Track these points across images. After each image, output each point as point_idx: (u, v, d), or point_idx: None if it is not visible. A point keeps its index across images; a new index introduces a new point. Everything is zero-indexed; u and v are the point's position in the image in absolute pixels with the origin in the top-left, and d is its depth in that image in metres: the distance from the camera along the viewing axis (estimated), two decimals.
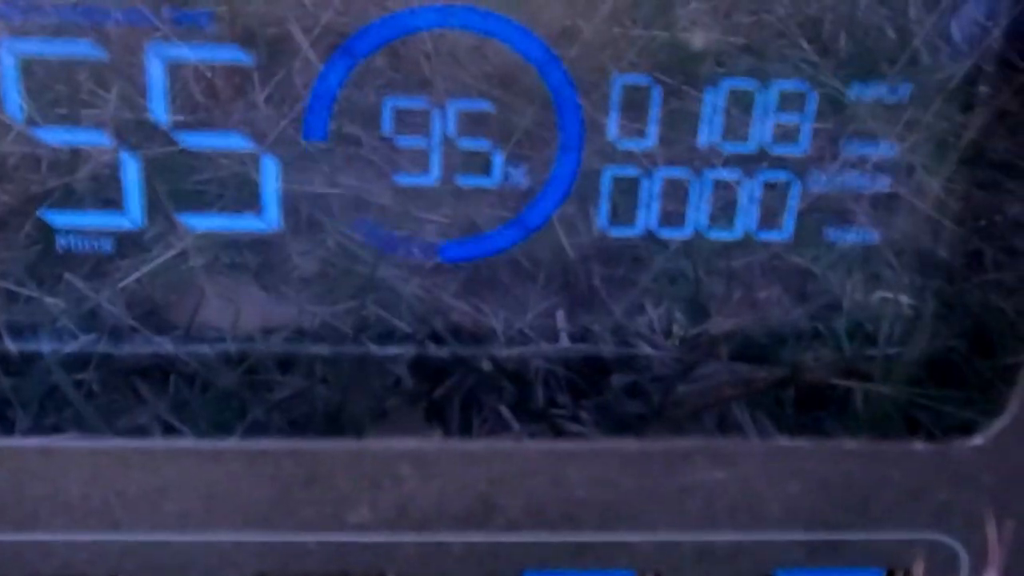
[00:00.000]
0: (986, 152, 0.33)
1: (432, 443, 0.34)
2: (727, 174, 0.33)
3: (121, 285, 0.33)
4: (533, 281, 0.34)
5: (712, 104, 0.32)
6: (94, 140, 0.32)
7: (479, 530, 0.35)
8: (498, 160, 0.33)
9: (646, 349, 0.35)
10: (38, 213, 0.32)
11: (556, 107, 0.32)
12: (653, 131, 0.33)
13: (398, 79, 0.32)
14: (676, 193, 0.33)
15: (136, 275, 0.33)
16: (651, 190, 0.33)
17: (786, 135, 0.33)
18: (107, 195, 0.32)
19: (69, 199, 0.32)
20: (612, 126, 0.33)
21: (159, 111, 0.32)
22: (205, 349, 0.34)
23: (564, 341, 0.34)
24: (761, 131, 0.33)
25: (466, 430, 0.34)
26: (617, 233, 0.34)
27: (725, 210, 0.34)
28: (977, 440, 0.35)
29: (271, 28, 0.31)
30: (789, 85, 0.32)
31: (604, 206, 0.34)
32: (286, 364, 0.34)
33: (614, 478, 0.34)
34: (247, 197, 0.33)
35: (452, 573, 0.35)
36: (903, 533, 0.36)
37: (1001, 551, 0.35)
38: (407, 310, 0.34)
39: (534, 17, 0.31)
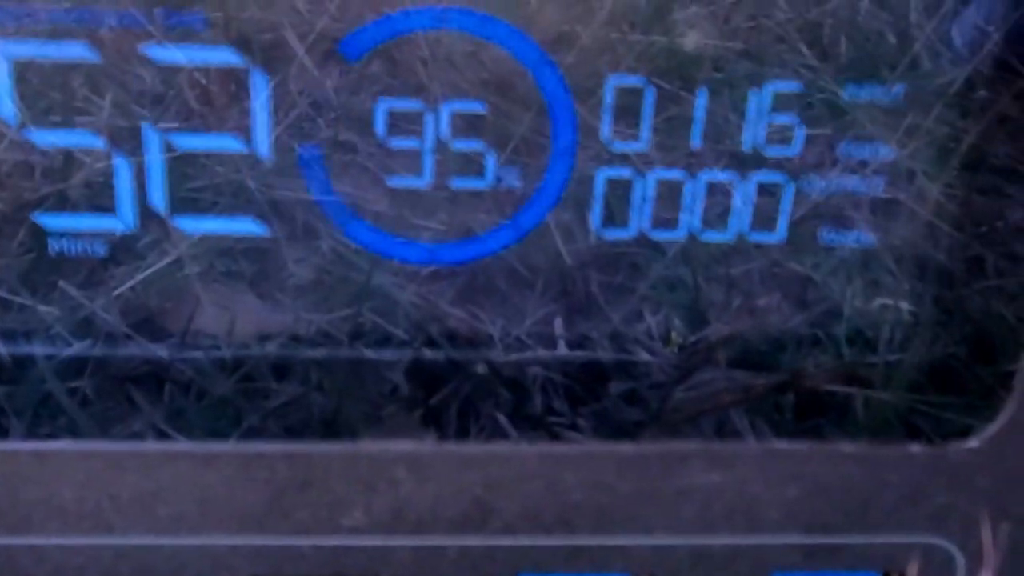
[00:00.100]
0: (985, 157, 0.33)
1: (427, 446, 0.34)
2: (721, 176, 0.33)
3: (115, 293, 0.33)
4: (528, 285, 0.34)
5: (705, 106, 0.32)
6: (87, 143, 0.32)
7: (474, 534, 0.35)
8: (492, 162, 0.33)
9: (644, 356, 0.34)
10: (31, 217, 0.32)
11: (550, 109, 0.32)
12: (646, 133, 0.33)
13: (392, 82, 0.32)
14: (670, 195, 0.33)
15: (131, 282, 0.33)
16: (644, 192, 0.33)
17: (782, 138, 0.33)
18: (100, 199, 0.32)
19: (62, 202, 0.32)
20: (606, 128, 0.33)
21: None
22: (200, 355, 0.33)
23: (561, 347, 0.34)
24: (755, 133, 0.33)
25: (462, 435, 0.34)
26: (610, 235, 0.34)
27: (720, 214, 0.34)
28: (973, 443, 0.35)
29: (265, 31, 0.31)
30: (785, 87, 0.32)
31: (598, 208, 0.33)
32: (281, 370, 0.34)
33: (610, 481, 0.34)
34: (240, 201, 0.32)
35: None
36: (899, 536, 0.36)
37: (996, 554, 0.35)
38: (402, 315, 0.34)
39: (527, 19, 0.31)
